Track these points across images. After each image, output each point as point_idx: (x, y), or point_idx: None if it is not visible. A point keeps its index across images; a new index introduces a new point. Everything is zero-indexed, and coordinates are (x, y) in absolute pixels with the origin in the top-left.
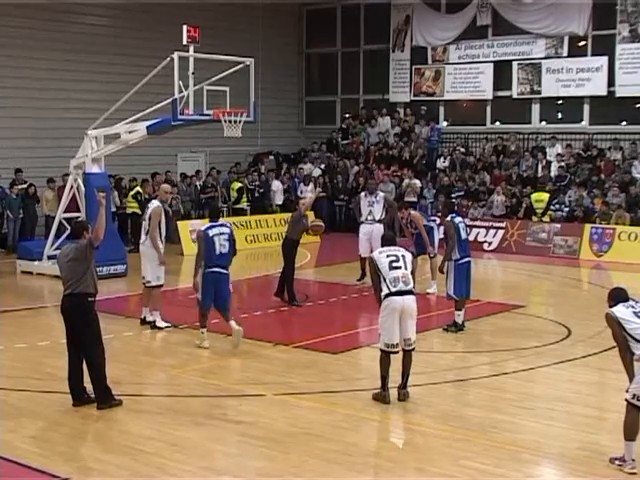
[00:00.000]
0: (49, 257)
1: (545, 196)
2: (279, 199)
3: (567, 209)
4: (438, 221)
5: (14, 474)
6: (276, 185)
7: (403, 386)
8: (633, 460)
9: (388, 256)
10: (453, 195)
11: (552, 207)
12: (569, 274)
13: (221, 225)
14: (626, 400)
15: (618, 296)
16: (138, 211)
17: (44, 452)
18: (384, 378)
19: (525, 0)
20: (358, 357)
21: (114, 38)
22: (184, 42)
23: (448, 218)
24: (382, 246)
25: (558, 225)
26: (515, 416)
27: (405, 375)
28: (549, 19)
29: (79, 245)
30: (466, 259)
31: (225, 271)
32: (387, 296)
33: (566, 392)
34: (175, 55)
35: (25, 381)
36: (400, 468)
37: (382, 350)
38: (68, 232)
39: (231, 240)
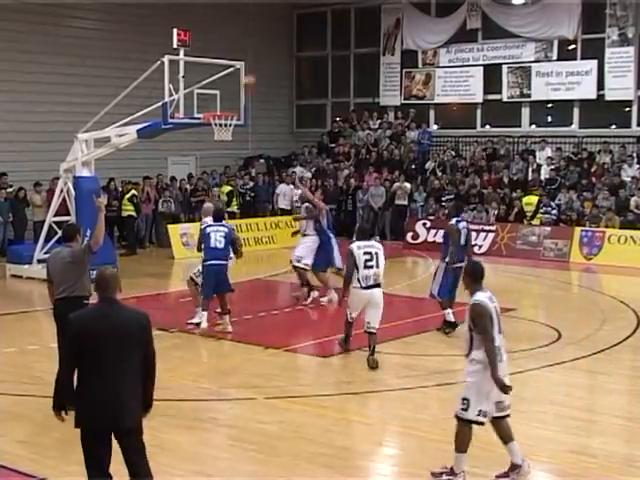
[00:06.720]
0: (39, 261)
1: (534, 199)
2: (283, 203)
3: (557, 212)
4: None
5: (3, 478)
6: (281, 189)
7: (371, 353)
8: (463, 472)
9: (365, 253)
10: (443, 198)
11: (542, 210)
12: (559, 277)
13: (220, 225)
14: (457, 417)
15: (474, 273)
16: (134, 214)
17: (34, 456)
18: (347, 336)
19: (515, 3)
20: (349, 360)
21: (104, 41)
22: (174, 45)
23: (453, 221)
24: (359, 239)
25: (548, 228)
26: None
27: (370, 346)
28: (539, 23)
29: (76, 249)
30: (459, 264)
31: (223, 262)
32: (357, 288)
33: (556, 395)
34: (165, 58)
35: (15, 385)
36: (390, 472)
37: (346, 318)
38: (59, 235)
39: (228, 238)
